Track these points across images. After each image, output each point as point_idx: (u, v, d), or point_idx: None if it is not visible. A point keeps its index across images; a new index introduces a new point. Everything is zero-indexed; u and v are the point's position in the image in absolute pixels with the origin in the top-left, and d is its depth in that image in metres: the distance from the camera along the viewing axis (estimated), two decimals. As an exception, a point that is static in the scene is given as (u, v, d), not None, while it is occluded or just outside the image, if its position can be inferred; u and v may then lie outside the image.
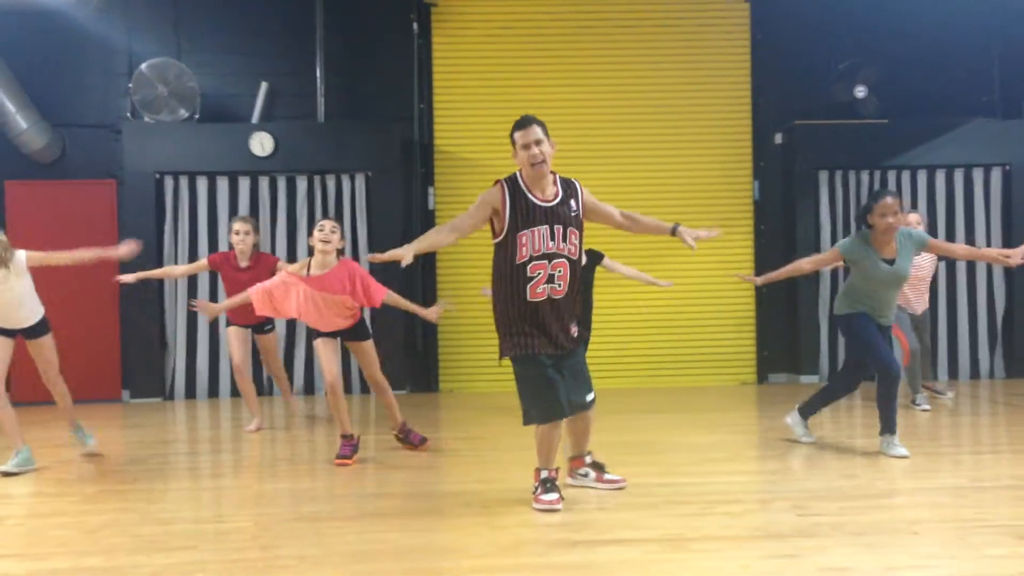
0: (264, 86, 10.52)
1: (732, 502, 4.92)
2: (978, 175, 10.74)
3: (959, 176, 10.75)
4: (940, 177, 10.76)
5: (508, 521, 4.61)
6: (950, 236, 10.58)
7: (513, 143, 4.81)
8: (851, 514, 4.60)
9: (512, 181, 4.81)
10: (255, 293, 6.17)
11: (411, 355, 10.46)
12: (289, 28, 10.66)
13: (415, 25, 10.60)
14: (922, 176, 10.75)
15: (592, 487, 5.24)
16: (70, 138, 10.51)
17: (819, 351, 10.65)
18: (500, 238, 4.78)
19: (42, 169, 10.45)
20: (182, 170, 10.29)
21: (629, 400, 9.36)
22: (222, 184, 10.38)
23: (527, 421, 4.88)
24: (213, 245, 10.22)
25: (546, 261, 4.71)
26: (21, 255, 6.13)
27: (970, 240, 10.61)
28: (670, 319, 10.70)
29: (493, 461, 6.35)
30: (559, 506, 4.78)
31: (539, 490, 4.86)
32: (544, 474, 4.89)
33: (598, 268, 7.50)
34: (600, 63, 10.83)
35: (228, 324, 7.99)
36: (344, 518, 4.65)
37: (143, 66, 10.13)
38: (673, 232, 4.93)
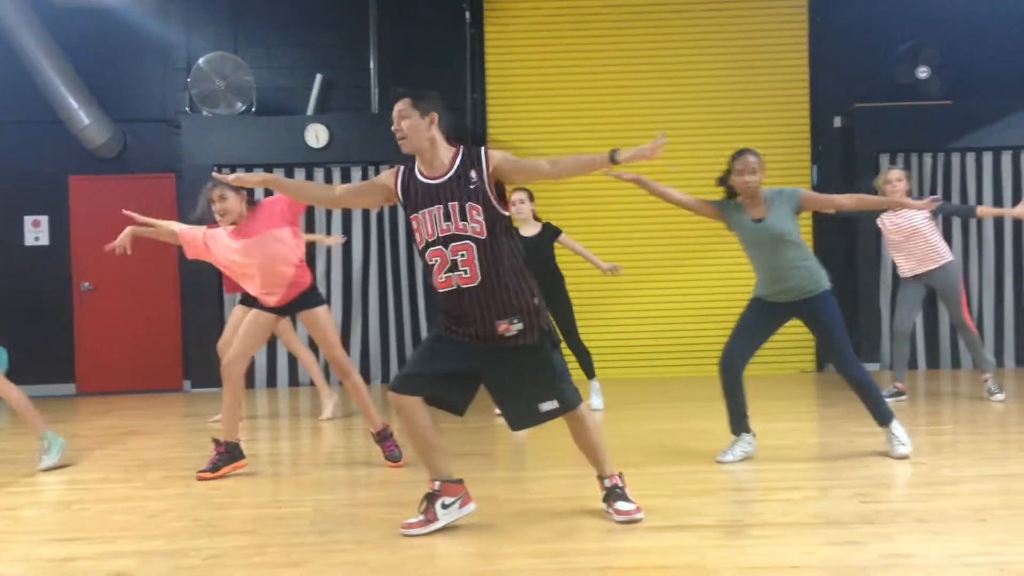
0: (319, 78, 10.60)
1: (792, 489, 4.85)
2: (1046, 157, 10.43)
3: (1026, 158, 10.45)
4: (1007, 159, 10.42)
5: (566, 507, 4.58)
6: (1017, 220, 10.24)
7: None
8: (916, 501, 4.51)
9: (411, 162, 4.36)
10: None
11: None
12: (343, 21, 10.73)
13: (467, 15, 10.60)
14: (987, 158, 10.42)
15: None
16: (130, 133, 10.70)
17: (880, 337, 10.41)
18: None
19: (104, 164, 10.66)
20: (239, 163, 10.39)
21: (684, 388, 9.28)
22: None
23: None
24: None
25: (442, 247, 4.10)
26: None
27: (1038, 224, 10.29)
28: (726, 307, 10.48)
29: (546, 450, 6.33)
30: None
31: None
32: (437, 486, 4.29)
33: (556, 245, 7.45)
34: (652, 49, 10.69)
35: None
36: (400, 504, 4.66)
37: (201, 60, 10.27)
38: (613, 159, 4.03)
